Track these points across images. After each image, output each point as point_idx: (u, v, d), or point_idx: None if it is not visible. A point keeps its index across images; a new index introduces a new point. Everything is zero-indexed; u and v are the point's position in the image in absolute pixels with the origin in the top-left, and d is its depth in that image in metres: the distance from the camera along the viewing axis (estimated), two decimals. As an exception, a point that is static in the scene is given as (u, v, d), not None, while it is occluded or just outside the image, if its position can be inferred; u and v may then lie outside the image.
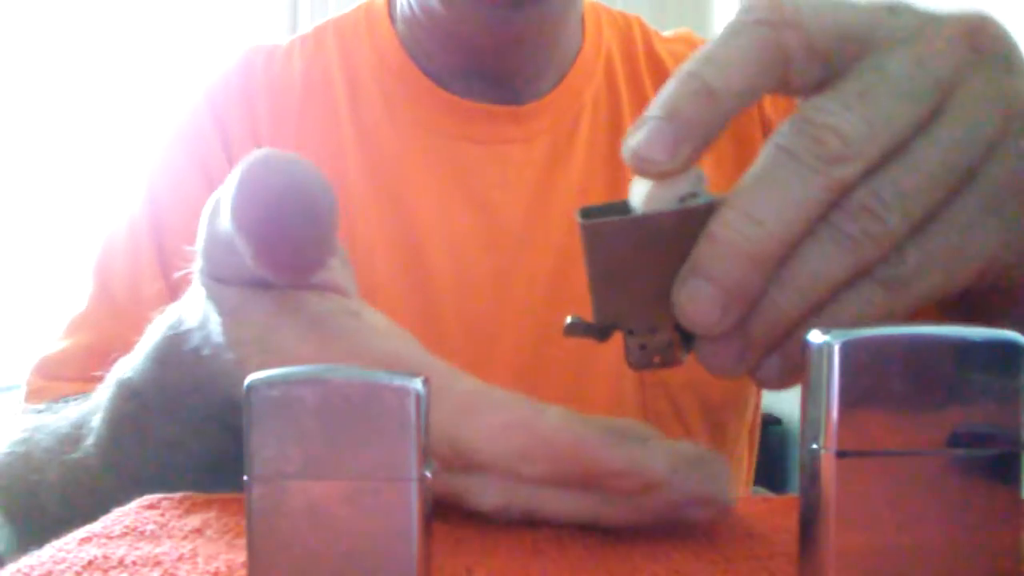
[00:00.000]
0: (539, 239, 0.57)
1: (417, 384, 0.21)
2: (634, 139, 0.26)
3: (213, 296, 0.31)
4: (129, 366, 0.38)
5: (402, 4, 0.61)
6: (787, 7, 0.26)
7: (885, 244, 0.25)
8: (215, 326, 0.31)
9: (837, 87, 0.26)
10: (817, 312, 0.26)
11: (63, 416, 0.45)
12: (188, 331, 0.33)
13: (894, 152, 0.25)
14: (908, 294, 0.26)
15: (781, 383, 0.27)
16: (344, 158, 0.58)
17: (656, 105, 0.26)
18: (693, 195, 0.26)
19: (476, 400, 0.27)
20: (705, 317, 0.25)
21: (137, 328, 0.54)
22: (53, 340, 0.56)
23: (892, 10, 0.27)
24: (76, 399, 0.49)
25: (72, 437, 0.40)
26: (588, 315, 0.28)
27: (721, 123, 0.26)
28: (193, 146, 0.58)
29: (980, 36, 0.26)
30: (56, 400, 0.51)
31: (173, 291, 0.56)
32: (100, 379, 0.51)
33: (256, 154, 0.25)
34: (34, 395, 0.54)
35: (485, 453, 0.26)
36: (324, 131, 0.59)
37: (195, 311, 0.32)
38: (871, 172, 0.25)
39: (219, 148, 0.58)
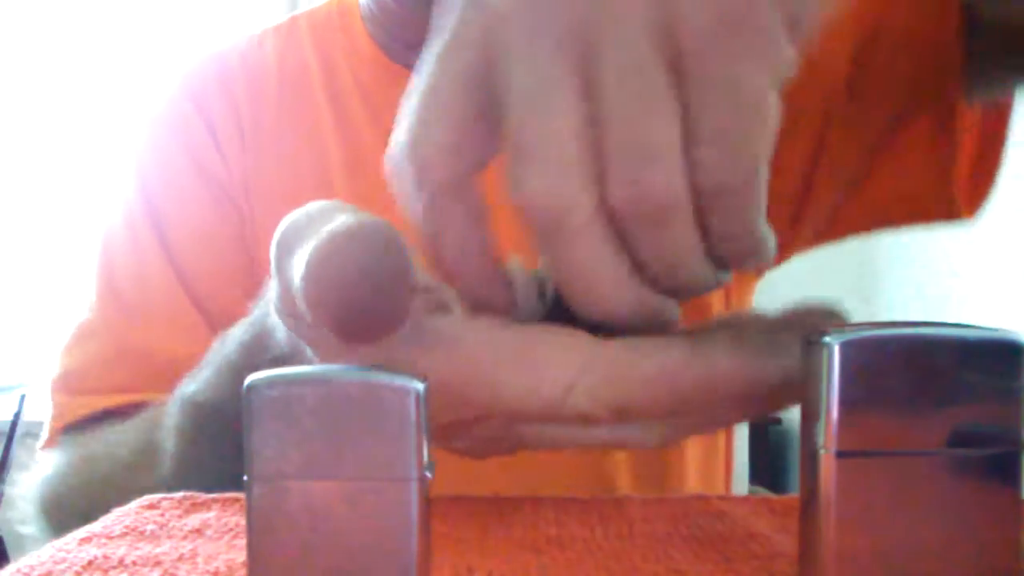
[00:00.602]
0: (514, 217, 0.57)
1: (417, 384, 0.21)
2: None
3: (301, 335, 0.30)
4: (199, 386, 0.38)
5: (362, 5, 0.61)
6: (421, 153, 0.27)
7: (655, 135, 0.23)
8: (314, 359, 0.30)
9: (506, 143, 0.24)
10: (696, 197, 0.24)
11: (119, 443, 0.46)
12: (280, 357, 0.32)
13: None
14: (736, 129, 0.23)
15: (746, 263, 0.26)
16: (324, 145, 0.58)
17: None
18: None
19: (621, 358, 0.25)
20: (627, 314, 0.25)
21: (149, 323, 0.54)
22: (65, 349, 0.56)
23: None
24: (119, 421, 0.49)
25: (140, 464, 0.40)
26: None
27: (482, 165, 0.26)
28: (180, 135, 0.59)
29: None
30: (91, 418, 0.51)
31: (183, 280, 0.56)
32: (129, 389, 0.51)
33: (331, 231, 0.24)
34: (63, 414, 0.53)
35: (646, 405, 0.25)
36: (303, 117, 0.59)
37: (283, 340, 0.32)
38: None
39: (205, 134, 0.58)
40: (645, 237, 0.24)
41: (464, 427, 0.28)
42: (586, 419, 0.26)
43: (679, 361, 0.25)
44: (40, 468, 0.53)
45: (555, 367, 0.25)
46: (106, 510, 0.36)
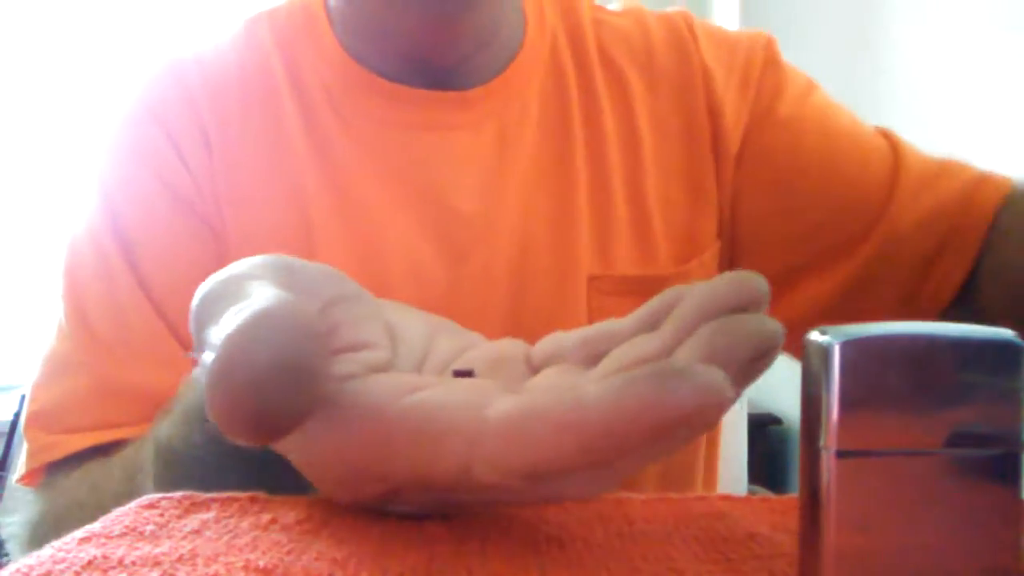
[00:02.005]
0: (494, 226, 0.56)
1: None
2: None
3: None
4: (171, 431, 0.38)
5: (330, 7, 0.59)
6: None
7: None
8: None
9: None
10: None
11: (104, 489, 0.46)
12: None
13: None
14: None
15: None
16: (294, 157, 0.56)
17: None
18: None
19: (514, 423, 0.24)
20: None
21: (130, 359, 0.52)
22: (38, 385, 0.54)
23: None
24: (103, 459, 0.49)
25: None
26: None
27: None
28: (144, 155, 0.56)
29: None
30: (71, 460, 0.50)
31: (159, 309, 0.53)
32: (115, 424, 0.50)
33: (241, 322, 0.22)
34: (43, 451, 0.52)
35: (556, 464, 0.24)
36: (270, 129, 0.56)
37: None
38: None
39: (170, 151, 0.55)
40: None
41: (391, 497, 0.27)
42: (497, 488, 0.25)
43: (579, 409, 0.23)
44: (27, 512, 0.52)
45: (448, 443, 0.24)
46: None
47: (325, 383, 0.24)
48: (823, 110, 0.61)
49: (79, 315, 0.54)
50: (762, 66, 0.61)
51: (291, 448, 0.28)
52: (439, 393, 0.26)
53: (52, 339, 0.55)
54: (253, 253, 0.54)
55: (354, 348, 0.29)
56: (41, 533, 0.50)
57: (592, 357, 0.30)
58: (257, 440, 0.23)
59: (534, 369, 0.32)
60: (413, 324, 0.33)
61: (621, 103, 0.60)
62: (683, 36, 0.62)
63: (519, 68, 0.59)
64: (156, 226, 0.55)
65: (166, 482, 0.38)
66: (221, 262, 0.54)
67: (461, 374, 0.30)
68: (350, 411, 0.26)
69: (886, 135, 0.60)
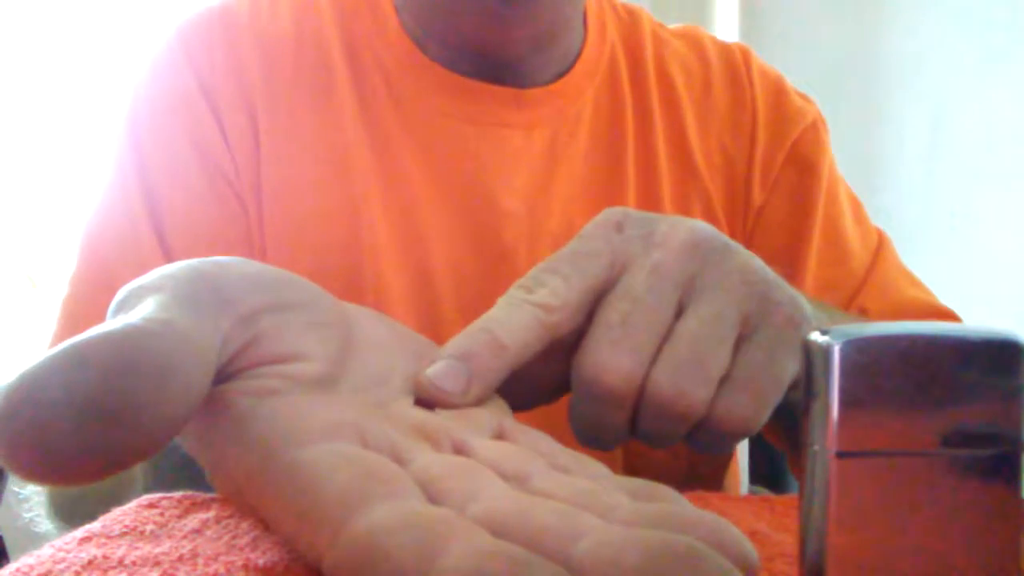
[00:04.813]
0: (536, 229, 0.55)
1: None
2: (430, 370, 0.29)
3: None
4: None
5: None
6: (550, 296, 0.32)
7: (714, 362, 0.31)
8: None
9: (600, 320, 0.32)
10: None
11: None
12: None
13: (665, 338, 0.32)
14: (763, 389, 0.32)
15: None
16: (344, 132, 0.55)
17: (450, 347, 0.30)
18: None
19: (368, 543, 0.20)
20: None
21: None
22: (60, 337, 0.52)
23: (619, 227, 0.34)
24: None
25: (123, 478, 0.41)
26: None
27: (505, 372, 0.30)
28: (181, 116, 0.53)
29: (698, 238, 0.33)
30: None
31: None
32: None
33: (44, 358, 0.20)
34: None
35: None
36: (322, 102, 0.55)
37: None
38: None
39: (209, 117, 0.53)
40: (655, 417, 0.31)
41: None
42: None
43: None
44: None
45: (309, 524, 0.21)
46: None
47: (167, 419, 0.21)
48: (836, 205, 0.63)
49: (101, 271, 0.52)
50: (802, 131, 0.62)
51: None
52: (336, 463, 0.22)
53: (71, 295, 0.53)
54: (294, 229, 0.54)
55: (277, 360, 0.26)
56: (57, 493, 0.51)
57: (520, 478, 0.24)
58: (56, 484, 0.20)
59: (495, 433, 0.28)
60: (380, 338, 0.30)
61: (674, 126, 0.60)
62: (740, 73, 0.63)
63: (576, 76, 0.59)
64: (188, 197, 0.53)
65: (163, 471, 0.38)
66: (249, 240, 0.53)
67: (424, 404, 0.28)
68: (242, 436, 0.24)
69: (879, 233, 0.64)
